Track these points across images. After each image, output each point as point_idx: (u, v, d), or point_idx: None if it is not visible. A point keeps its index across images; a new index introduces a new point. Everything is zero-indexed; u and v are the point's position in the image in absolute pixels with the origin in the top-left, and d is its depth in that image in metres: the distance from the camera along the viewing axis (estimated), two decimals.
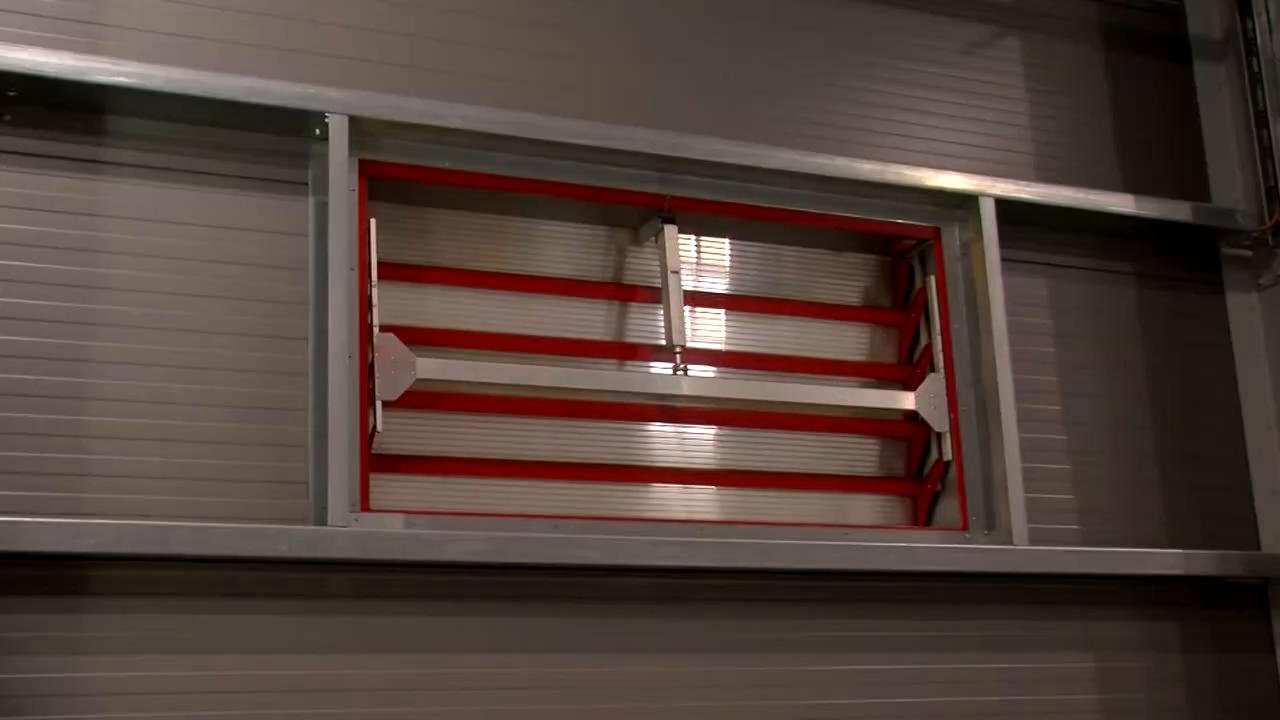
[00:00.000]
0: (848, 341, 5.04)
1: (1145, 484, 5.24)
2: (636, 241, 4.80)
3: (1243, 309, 5.48)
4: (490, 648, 4.19)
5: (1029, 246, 5.21)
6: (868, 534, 4.74)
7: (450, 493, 4.41)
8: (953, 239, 5.05)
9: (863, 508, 4.93)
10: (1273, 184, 5.41)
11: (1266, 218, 5.40)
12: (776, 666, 4.51)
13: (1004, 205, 5.04)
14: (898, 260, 5.14)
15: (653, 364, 4.72)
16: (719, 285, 4.92)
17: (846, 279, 5.09)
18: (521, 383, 4.49)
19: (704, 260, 4.90)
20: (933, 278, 5.02)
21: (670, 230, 4.70)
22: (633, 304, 4.76)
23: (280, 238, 4.18)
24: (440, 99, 4.41)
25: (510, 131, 4.41)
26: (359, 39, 4.45)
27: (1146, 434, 5.28)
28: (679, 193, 4.70)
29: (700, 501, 4.73)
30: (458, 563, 4.11)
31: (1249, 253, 5.50)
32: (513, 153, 4.46)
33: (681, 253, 4.75)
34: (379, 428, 4.19)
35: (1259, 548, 5.30)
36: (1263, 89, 5.49)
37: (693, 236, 4.88)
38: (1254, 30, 5.54)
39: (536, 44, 4.69)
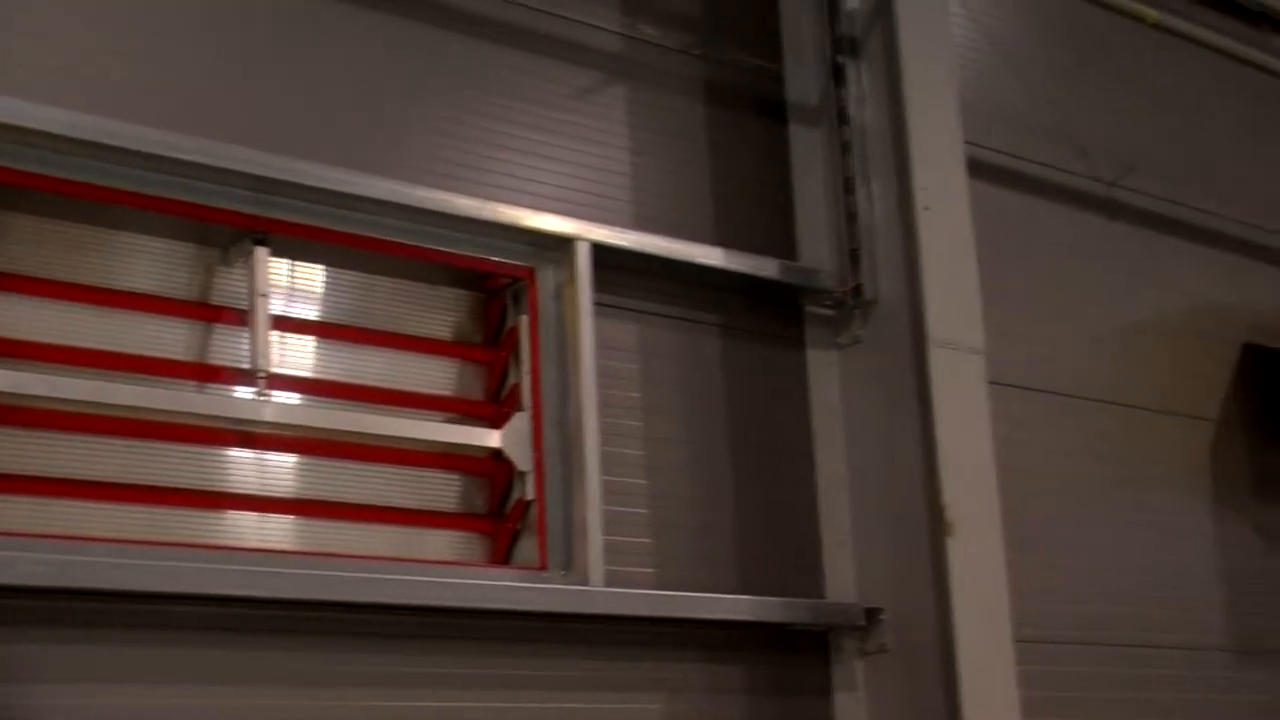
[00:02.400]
0: (436, 375, 5.21)
1: (722, 531, 5.59)
2: (226, 261, 4.85)
3: (821, 366, 5.91)
4: (50, 677, 4.15)
5: (622, 292, 5.50)
6: (444, 570, 4.91)
7: (11, 512, 4.35)
8: (547, 280, 5.31)
9: (442, 543, 5.10)
10: (856, 248, 5.87)
11: (848, 280, 5.86)
12: (345, 701, 4.61)
13: (599, 250, 5.32)
14: (491, 297, 5.36)
15: (235, 388, 4.78)
16: (310, 312, 5.02)
17: (439, 313, 5.26)
18: (95, 399, 4.48)
19: (296, 285, 5.00)
20: (525, 317, 5.25)
21: (261, 252, 4.77)
22: (218, 325, 4.81)
23: None
24: (23, 97, 4.37)
25: (93, 137, 4.40)
26: None
27: (726, 482, 5.64)
28: (273, 215, 4.78)
29: (277, 530, 4.81)
30: (14, 586, 4.07)
31: (831, 312, 5.93)
32: (97, 160, 4.46)
33: (272, 276, 4.85)
34: None
35: (825, 596, 5.74)
36: (852, 157, 5.96)
37: (286, 260, 4.97)
38: (847, 99, 6.02)
39: (135, 48, 4.70)
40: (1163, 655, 6.71)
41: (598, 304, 5.30)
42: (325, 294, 5.07)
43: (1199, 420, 7.24)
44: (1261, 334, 7.67)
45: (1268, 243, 7.91)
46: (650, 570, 5.35)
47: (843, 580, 5.73)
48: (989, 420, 5.73)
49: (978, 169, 6.42)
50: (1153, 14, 6.84)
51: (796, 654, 5.61)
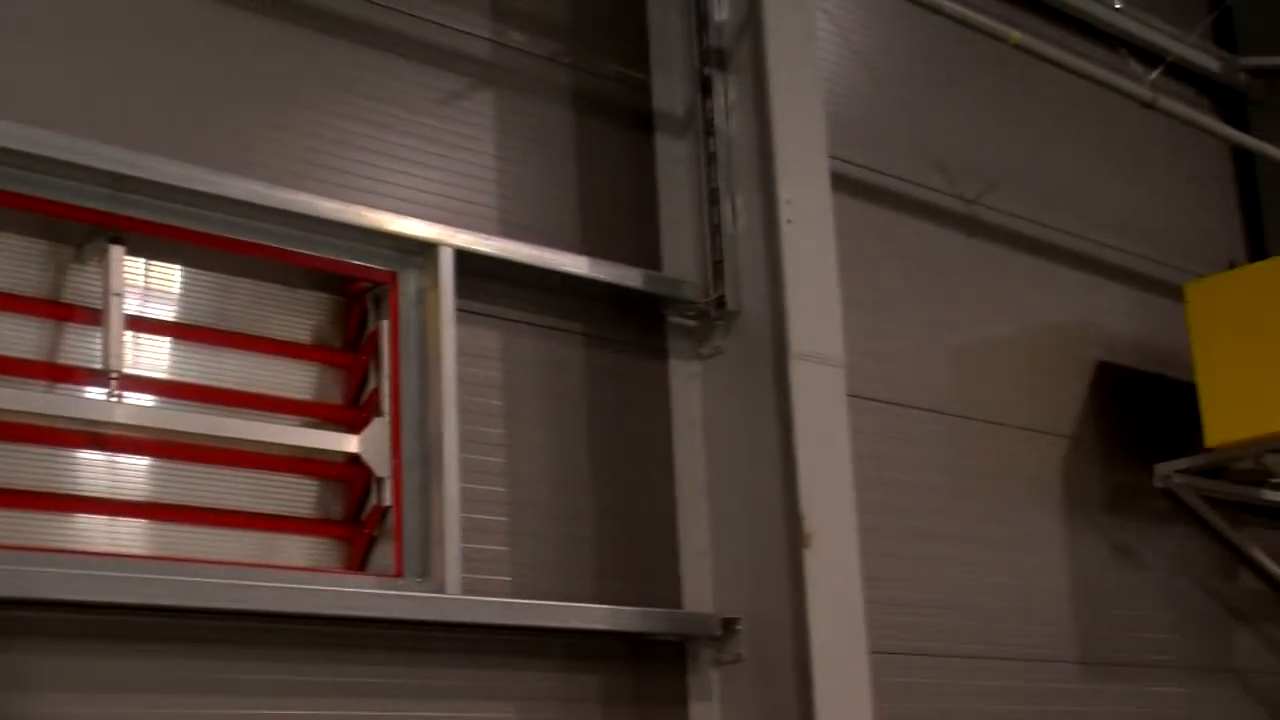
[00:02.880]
0: (295, 379, 5.17)
1: (581, 540, 5.60)
2: (81, 259, 4.77)
3: (684, 376, 5.96)
4: None
5: (486, 299, 5.50)
6: (298, 576, 4.87)
7: None
8: (410, 285, 5.29)
9: (297, 549, 5.06)
10: (719, 259, 5.92)
11: (711, 291, 5.91)
12: (196, 709, 4.57)
13: (463, 256, 5.33)
14: (352, 301, 5.33)
15: (87, 388, 4.70)
16: (165, 312, 4.95)
17: (298, 316, 5.21)
18: None
19: (152, 285, 4.93)
20: (386, 322, 5.23)
21: (116, 251, 4.71)
22: (71, 324, 4.73)
23: None
24: None
25: None
26: None
27: (586, 491, 5.66)
28: (129, 213, 4.72)
29: (129, 535, 4.74)
30: None
31: (694, 323, 5.98)
32: None
33: (128, 275, 4.78)
34: None
35: (682, 606, 5.78)
36: (717, 168, 6.01)
37: (142, 260, 4.89)
38: (714, 111, 6.07)
39: None
40: (1015, 668, 6.85)
41: (460, 310, 5.30)
42: (182, 294, 5.01)
43: (1054, 436, 7.41)
44: (1115, 352, 7.86)
45: (1123, 263, 8.11)
46: (507, 578, 5.36)
47: (701, 590, 5.77)
48: (848, 433, 5.81)
49: (842, 183, 6.52)
50: (1015, 35, 6.98)
51: (653, 663, 5.65)
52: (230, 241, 4.94)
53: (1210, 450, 7.57)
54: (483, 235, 5.46)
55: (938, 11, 6.75)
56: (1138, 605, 7.56)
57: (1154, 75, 7.69)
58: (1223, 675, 7.95)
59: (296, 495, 5.11)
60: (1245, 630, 8.13)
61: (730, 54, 6.11)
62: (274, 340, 5.15)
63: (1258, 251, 8.93)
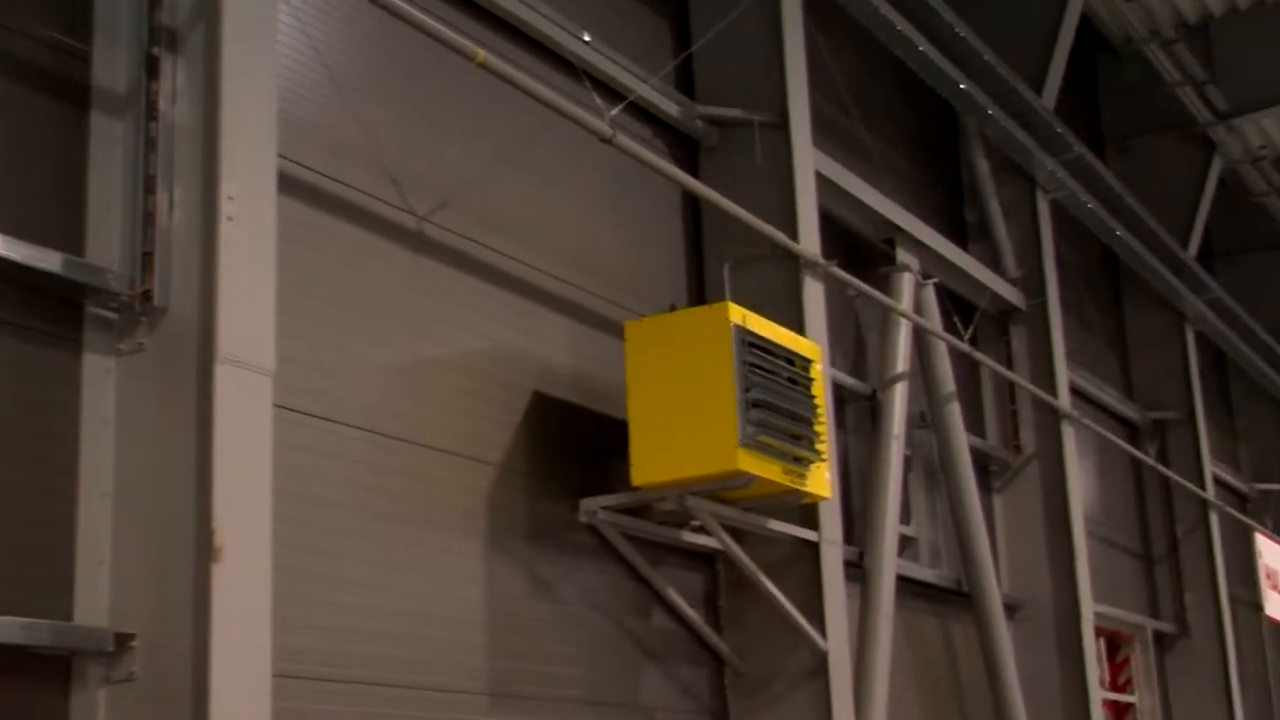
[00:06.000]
0: None
1: None
2: None
3: (98, 372, 5.72)
4: None
5: None
6: None
7: None
8: None
9: None
10: (150, 251, 5.74)
11: (138, 284, 5.72)
12: None
13: None
14: None
15: None
16: None
17: None
18: None
19: None
20: None
21: None
22: None
23: None
24: None
25: None
26: None
27: None
28: None
29: None
30: None
31: (115, 316, 5.77)
32: None
33: None
34: None
35: (73, 619, 5.55)
36: (157, 155, 5.84)
37: None
38: (159, 94, 5.89)
39: None
40: (422, 697, 6.92)
41: None
42: None
43: (482, 463, 7.53)
44: (552, 384, 8.09)
45: (568, 295, 8.37)
46: None
47: (96, 602, 5.56)
48: (270, 445, 5.76)
49: (290, 185, 6.47)
50: (481, 54, 7.09)
51: (35, 680, 5.38)
52: None
53: (636, 489, 7.89)
54: None
55: (406, 21, 6.79)
56: (552, 638, 7.79)
57: (614, 112, 7.98)
58: (630, 712, 8.29)
59: None
60: (655, 668, 8.51)
61: (183, 36, 5.96)
62: None
63: (698, 296, 9.40)
